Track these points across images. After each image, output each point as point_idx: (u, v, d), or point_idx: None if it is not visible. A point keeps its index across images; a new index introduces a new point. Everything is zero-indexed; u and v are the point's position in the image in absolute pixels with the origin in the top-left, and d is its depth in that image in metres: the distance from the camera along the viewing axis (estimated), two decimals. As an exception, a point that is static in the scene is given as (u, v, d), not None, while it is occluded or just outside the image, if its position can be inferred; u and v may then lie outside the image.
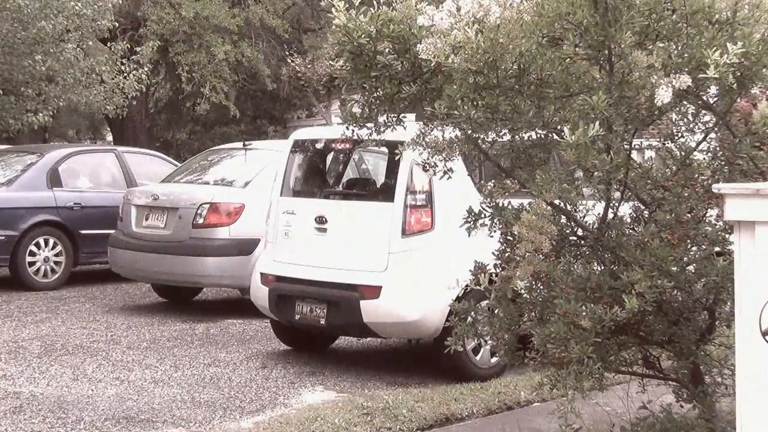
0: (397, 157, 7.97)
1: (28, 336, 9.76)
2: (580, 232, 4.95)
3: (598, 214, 4.91)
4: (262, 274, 8.79)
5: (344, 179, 9.18)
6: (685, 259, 4.71)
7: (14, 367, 8.45)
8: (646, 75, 4.30)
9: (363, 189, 8.93)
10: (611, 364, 4.99)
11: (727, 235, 4.69)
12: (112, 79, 17.61)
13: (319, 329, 8.54)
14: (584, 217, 4.94)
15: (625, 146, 4.67)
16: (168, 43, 21.29)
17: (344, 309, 8.04)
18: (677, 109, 4.87)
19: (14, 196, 12.90)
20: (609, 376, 5.11)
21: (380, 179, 8.97)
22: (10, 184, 13.08)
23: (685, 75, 4.28)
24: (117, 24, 18.00)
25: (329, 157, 9.23)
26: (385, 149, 8.53)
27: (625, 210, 5.02)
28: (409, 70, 4.63)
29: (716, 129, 4.96)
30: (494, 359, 8.06)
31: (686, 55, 4.35)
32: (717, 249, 4.81)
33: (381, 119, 4.95)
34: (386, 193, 8.21)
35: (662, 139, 5.10)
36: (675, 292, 4.84)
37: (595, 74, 4.52)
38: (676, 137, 5.03)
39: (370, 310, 7.91)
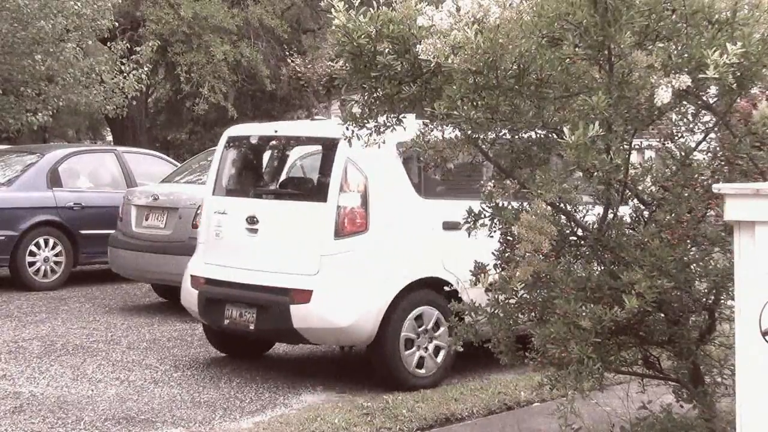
0: (332, 155, 7.67)
1: (28, 336, 9.76)
2: (580, 232, 4.95)
3: (598, 214, 4.91)
4: (192, 276, 8.48)
5: (277, 178, 8.82)
6: (685, 259, 4.71)
7: (14, 367, 8.45)
8: (645, 75, 4.31)
9: (296, 188, 8.56)
10: (611, 364, 5.00)
11: (725, 235, 4.69)
12: (112, 79, 17.59)
13: (249, 335, 8.21)
14: (584, 217, 4.94)
15: (625, 146, 4.67)
16: (167, 43, 21.27)
17: (274, 314, 7.72)
18: (677, 109, 4.87)
19: (14, 196, 12.89)
20: (609, 376, 5.12)
21: (313, 178, 8.47)
22: (10, 184, 13.08)
23: (684, 75, 4.28)
24: (117, 24, 17.97)
25: (263, 155, 8.97)
26: (319, 147, 8.29)
27: (625, 210, 5.02)
28: (408, 70, 4.62)
29: (716, 129, 4.96)
30: (432, 368, 7.81)
31: (686, 55, 4.35)
32: (717, 249, 4.81)
33: (381, 119, 4.94)
34: (319, 192, 7.88)
35: (662, 139, 5.10)
36: (675, 292, 4.84)
37: (595, 74, 4.52)
38: (676, 137, 5.03)
39: (300, 315, 7.58)
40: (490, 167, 8.01)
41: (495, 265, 5.04)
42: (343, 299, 7.59)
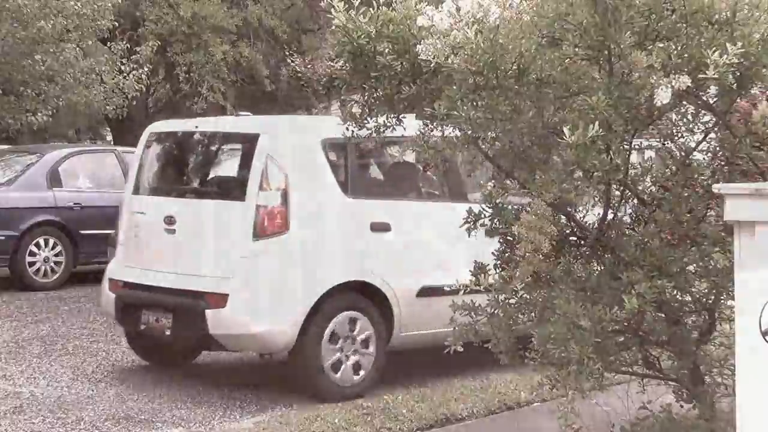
0: (251, 151, 7.34)
1: (28, 336, 9.76)
2: (580, 232, 4.95)
3: (598, 214, 4.91)
4: (110, 279, 8.17)
5: (197, 176, 8.52)
6: (685, 259, 4.71)
7: (14, 367, 8.45)
8: (645, 75, 4.30)
9: (214, 187, 8.20)
10: (611, 364, 4.99)
11: (725, 235, 4.69)
12: (112, 79, 17.60)
13: (166, 341, 7.86)
14: (584, 217, 4.94)
15: (625, 146, 4.67)
16: (167, 43, 21.27)
17: (189, 319, 7.38)
18: (677, 109, 4.87)
19: (14, 196, 12.90)
20: (609, 376, 5.11)
21: (232, 176, 8.02)
22: (10, 184, 13.09)
23: (684, 75, 4.28)
24: (116, 24, 17.98)
25: (183, 152, 8.63)
26: (239, 143, 7.96)
27: (625, 210, 5.02)
28: (408, 70, 4.62)
29: (716, 129, 4.96)
30: (357, 377, 7.50)
31: (686, 55, 4.35)
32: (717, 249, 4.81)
33: (381, 119, 4.94)
34: (237, 191, 7.52)
35: (662, 139, 5.10)
36: (675, 292, 4.84)
37: (594, 74, 4.52)
38: (676, 137, 5.03)
39: (216, 320, 7.23)
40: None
41: (495, 265, 5.03)
42: (261, 304, 7.26)
